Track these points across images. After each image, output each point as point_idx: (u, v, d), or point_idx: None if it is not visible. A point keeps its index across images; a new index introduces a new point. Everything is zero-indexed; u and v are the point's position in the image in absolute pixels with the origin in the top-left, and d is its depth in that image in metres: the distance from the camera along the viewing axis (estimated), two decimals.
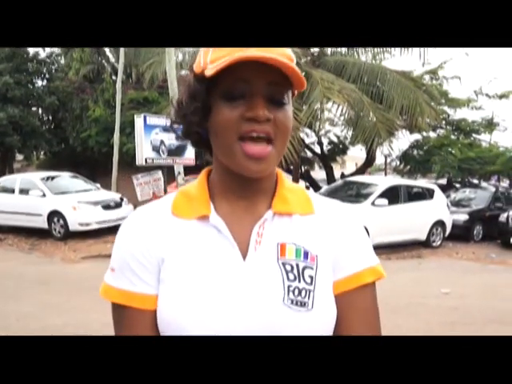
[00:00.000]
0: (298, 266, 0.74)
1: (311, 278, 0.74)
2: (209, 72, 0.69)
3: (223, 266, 0.73)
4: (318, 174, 18.98)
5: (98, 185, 11.75)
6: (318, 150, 16.96)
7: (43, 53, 16.33)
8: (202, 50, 0.76)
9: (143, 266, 0.75)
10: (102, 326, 4.42)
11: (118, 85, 13.20)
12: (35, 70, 15.77)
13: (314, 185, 15.88)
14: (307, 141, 16.48)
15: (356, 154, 20.32)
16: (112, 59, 17.16)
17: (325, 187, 11.84)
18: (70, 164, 15.31)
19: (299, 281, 0.73)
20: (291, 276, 0.73)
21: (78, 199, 10.07)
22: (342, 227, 0.79)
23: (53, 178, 11.29)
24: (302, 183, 16.26)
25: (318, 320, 0.73)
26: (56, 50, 16.87)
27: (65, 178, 11.53)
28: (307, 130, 14.97)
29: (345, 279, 0.77)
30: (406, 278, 7.29)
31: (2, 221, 10.82)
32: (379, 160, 19.54)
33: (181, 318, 0.71)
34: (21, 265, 8.01)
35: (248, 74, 0.69)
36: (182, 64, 13.02)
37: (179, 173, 10.58)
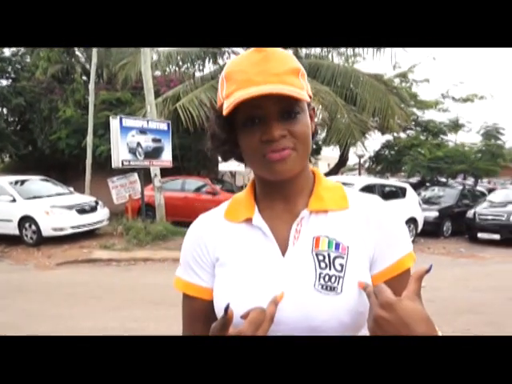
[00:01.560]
0: (329, 255, 0.83)
1: (341, 266, 0.82)
2: (224, 112, 0.80)
3: (266, 262, 0.85)
4: None
5: (72, 188, 11.42)
6: None
7: (8, 51, 15.75)
8: (219, 83, 0.86)
9: (199, 264, 0.92)
10: (90, 331, 4.35)
11: (91, 85, 12.91)
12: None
13: None
14: None
15: (328, 155, 20.62)
16: (82, 59, 16.76)
17: None
18: (38, 167, 14.79)
19: (330, 268, 0.82)
20: (323, 264, 0.83)
21: (50, 203, 9.75)
22: (378, 220, 0.86)
23: (22, 181, 10.87)
24: None
25: (347, 302, 0.81)
26: (22, 47, 16.32)
27: (35, 182, 11.13)
28: None
29: (389, 267, 0.85)
30: None
31: None
32: (351, 160, 19.89)
33: (233, 307, 0.78)
34: None
35: (258, 101, 0.77)
36: (156, 64, 12.88)
37: (156, 175, 10.46)
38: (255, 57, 0.81)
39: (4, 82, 15.75)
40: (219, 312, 0.86)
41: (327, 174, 15.53)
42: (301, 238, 0.85)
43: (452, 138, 18.34)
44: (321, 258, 0.83)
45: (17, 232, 9.70)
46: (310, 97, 0.84)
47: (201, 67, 13.61)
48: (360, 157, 17.71)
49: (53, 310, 5.46)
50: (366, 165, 18.64)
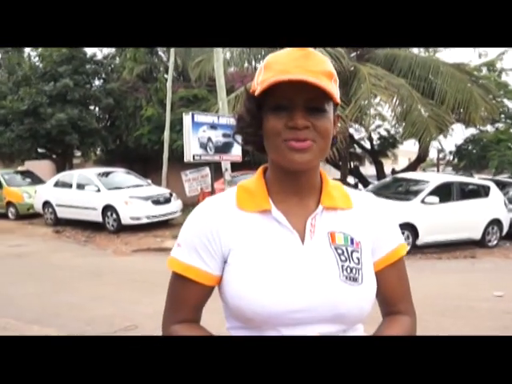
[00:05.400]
0: (347, 249, 0.92)
1: (358, 259, 0.92)
2: (256, 93, 0.87)
3: (286, 249, 0.90)
4: (369, 169, 18.56)
5: (149, 180, 12.14)
6: (368, 145, 16.60)
7: (100, 54, 17.11)
8: (257, 71, 0.92)
9: (207, 250, 0.92)
10: (146, 318, 4.60)
11: (169, 83, 13.58)
12: (92, 71, 16.51)
13: (363, 181, 15.57)
14: (356, 136, 16.14)
15: (410, 149, 19.67)
16: (165, 58, 17.66)
17: (373, 184, 11.57)
18: (124, 160, 15.93)
19: (349, 261, 0.90)
20: (343, 258, 0.90)
21: (129, 194, 10.48)
22: (377, 216, 0.98)
23: (107, 173, 11.81)
24: (350, 179, 15.97)
25: (367, 292, 0.91)
26: (112, 50, 17.58)
27: (118, 174, 12.02)
28: (356, 126, 14.68)
29: (386, 256, 0.97)
30: (457, 279, 7.01)
31: (61, 214, 11.49)
32: (433, 155, 18.79)
33: (258, 293, 0.86)
34: (75, 257, 8.45)
35: (290, 92, 0.84)
36: (229, 62, 13.17)
37: (226, 169, 10.73)
38: (296, 53, 0.86)
39: (96, 83, 17.10)
40: (232, 299, 0.89)
41: (405, 170, 14.82)
42: (317, 233, 0.91)
43: None
44: (340, 251, 0.91)
45: (100, 219, 10.58)
46: (338, 103, 0.89)
47: None
48: (439, 152, 16.67)
49: (120, 294, 5.86)
50: (448, 160, 17.45)
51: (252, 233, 0.91)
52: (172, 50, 13.53)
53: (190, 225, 0.95)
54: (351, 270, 0.89)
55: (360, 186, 15.27)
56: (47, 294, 5.87)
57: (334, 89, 0.85)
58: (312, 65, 0.84)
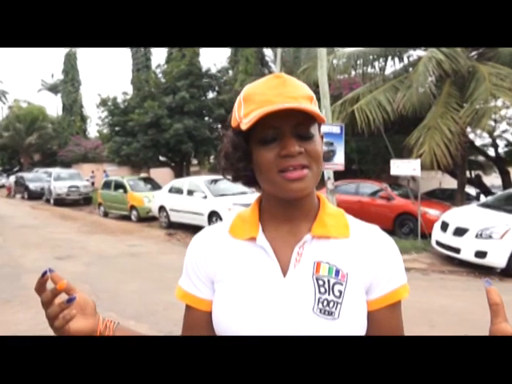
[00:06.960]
0: (329, 281, 0.87)
1: (340, 292, 0.86)
2: (244, 127, 0.84)
3: (266, 281, 0.88)
4: (496, 180, 16.72)
5: (253, 188, 12.43)
6: (492, 152, 14.99)
7: (214, 67, 18.14)
8: (235, 105, 0.91)
9: (197, 277, 0.96)
10: None
11: None
12: (207, 84, 17.57)
13: (485, 191, 14.09)
14: (478, 143, 14.72)
15: None
16: (273, 69, 18.08)
17: (494, 195, 10.37)
18: None
19: (329, 294, 0.85)
20: (322, 289, 0.86)
21: (233, 201, 10.85)
22: (377, 250, 0.90)
23: (215, 181, 12.38)
24: (470, 189, 14.56)
25: (343, 328, 0.84)
26: (225, 64, 18.49)
27: (225, 182, 12.45)
28: (478, 131, 13.36)
29: (384, 296, 0.89)
30: None
31: (174, 218, 12.38)
32: None
33: (231, 322, 0.88)
34: (180, 259, 8.80)
35: (276, 121, 0.83)
36: (335, 68, 12.97)
37: (329, 178, 10.53)
38: (273, 81, 0.86)
39: (210, 95, 18.16)
40: (217, 327, 0.91)
41: None
42: (302, 262, 0.88)
43: None
44: (321, 282, 0.87)
45: (206, 224, 11.06)
46: (324, 121, 0.87)
47: (381, 67, 13.08)
48: None
49: None
50: None
51: (237, 260, 0.91)
52: (278, 58, 13.76)
53: (186, 253, 0.99)
54: (328, 303, 0.85)
55: (481, 196, 13.87)
56: (149, 292, 6.33)
57: (317, 110, 0.85)
58: (292, 91, 0.84)
